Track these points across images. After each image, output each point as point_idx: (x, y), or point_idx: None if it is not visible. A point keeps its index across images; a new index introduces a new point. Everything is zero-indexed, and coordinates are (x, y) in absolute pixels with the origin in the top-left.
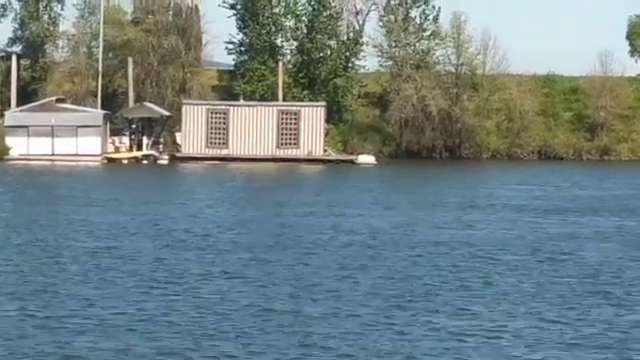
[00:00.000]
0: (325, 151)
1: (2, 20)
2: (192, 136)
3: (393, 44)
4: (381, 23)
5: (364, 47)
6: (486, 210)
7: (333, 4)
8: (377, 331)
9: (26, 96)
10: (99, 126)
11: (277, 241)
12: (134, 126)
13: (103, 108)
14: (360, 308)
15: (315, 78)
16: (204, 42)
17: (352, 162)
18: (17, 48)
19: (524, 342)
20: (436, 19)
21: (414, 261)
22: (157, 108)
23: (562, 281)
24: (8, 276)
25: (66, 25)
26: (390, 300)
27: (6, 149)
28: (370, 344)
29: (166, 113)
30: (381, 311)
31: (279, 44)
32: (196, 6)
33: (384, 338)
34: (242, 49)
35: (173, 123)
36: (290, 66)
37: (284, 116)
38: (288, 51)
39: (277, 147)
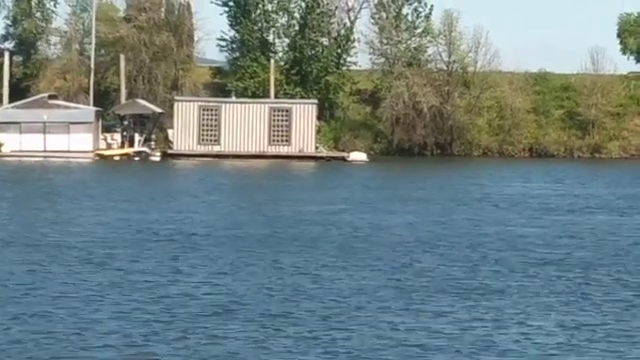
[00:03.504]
0: (317, 148)
1: None
2: (184, 133)
3: (385, 41)
4: (373, 20)
5: (356, 44)
6: (485, 207)
7: (325, 1)
8: (400, 326)
9: (18, 93)
10: (91, 123)
11: (280, 237)
12: (126, 123)
13: (95, 105)
14: (383, 303)
15: (307, 75)
16: (196, 39)
17: (344, 159)
18: (9, 45)
19: (552, 342)
20: (428, 17)
21: (427, 256)
22: (149, 105)
23: (594, 279)
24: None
25: (59, 22)
26: (407, 295)
27: None
28: (397, 338)
29: (158, 110)
30: (401, 306)
31: (271, 41)
32: (188, 3)
33: (407, 333)
34: (234, 46)
35: (165, 120)
36: (282, 63)
37: (276, 113)
38: (280, 48)
39: (269, 144)
